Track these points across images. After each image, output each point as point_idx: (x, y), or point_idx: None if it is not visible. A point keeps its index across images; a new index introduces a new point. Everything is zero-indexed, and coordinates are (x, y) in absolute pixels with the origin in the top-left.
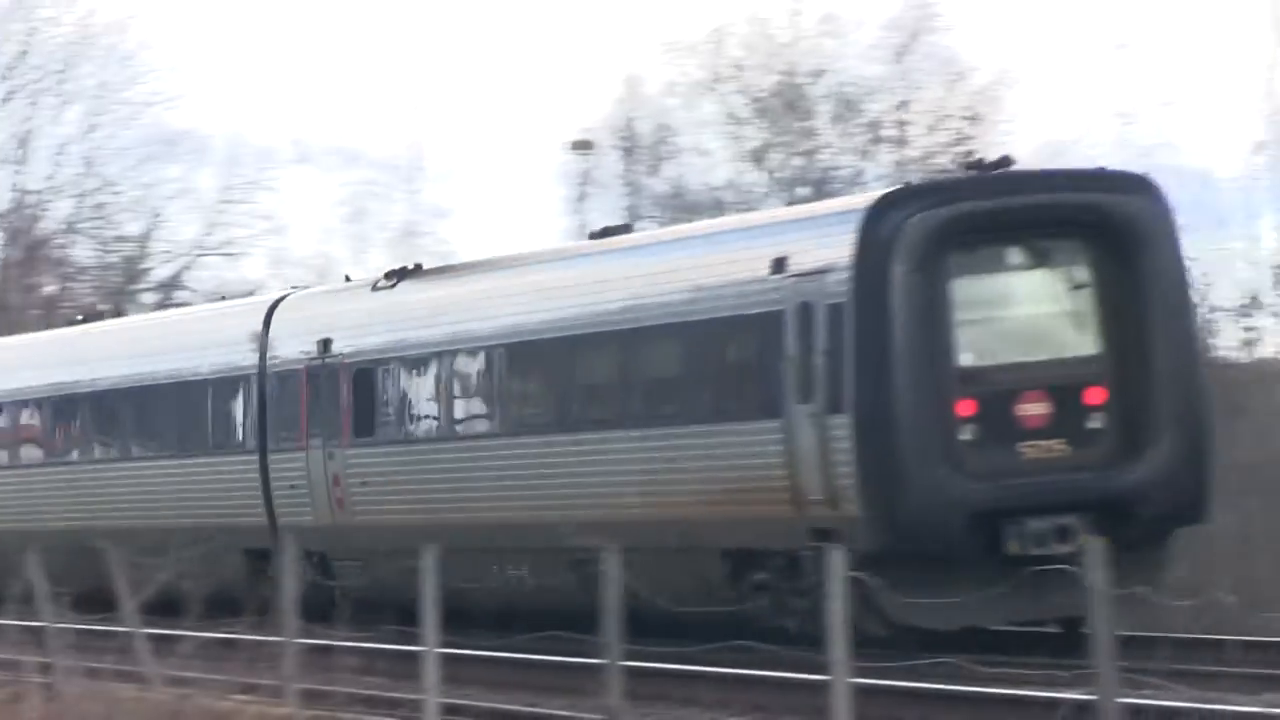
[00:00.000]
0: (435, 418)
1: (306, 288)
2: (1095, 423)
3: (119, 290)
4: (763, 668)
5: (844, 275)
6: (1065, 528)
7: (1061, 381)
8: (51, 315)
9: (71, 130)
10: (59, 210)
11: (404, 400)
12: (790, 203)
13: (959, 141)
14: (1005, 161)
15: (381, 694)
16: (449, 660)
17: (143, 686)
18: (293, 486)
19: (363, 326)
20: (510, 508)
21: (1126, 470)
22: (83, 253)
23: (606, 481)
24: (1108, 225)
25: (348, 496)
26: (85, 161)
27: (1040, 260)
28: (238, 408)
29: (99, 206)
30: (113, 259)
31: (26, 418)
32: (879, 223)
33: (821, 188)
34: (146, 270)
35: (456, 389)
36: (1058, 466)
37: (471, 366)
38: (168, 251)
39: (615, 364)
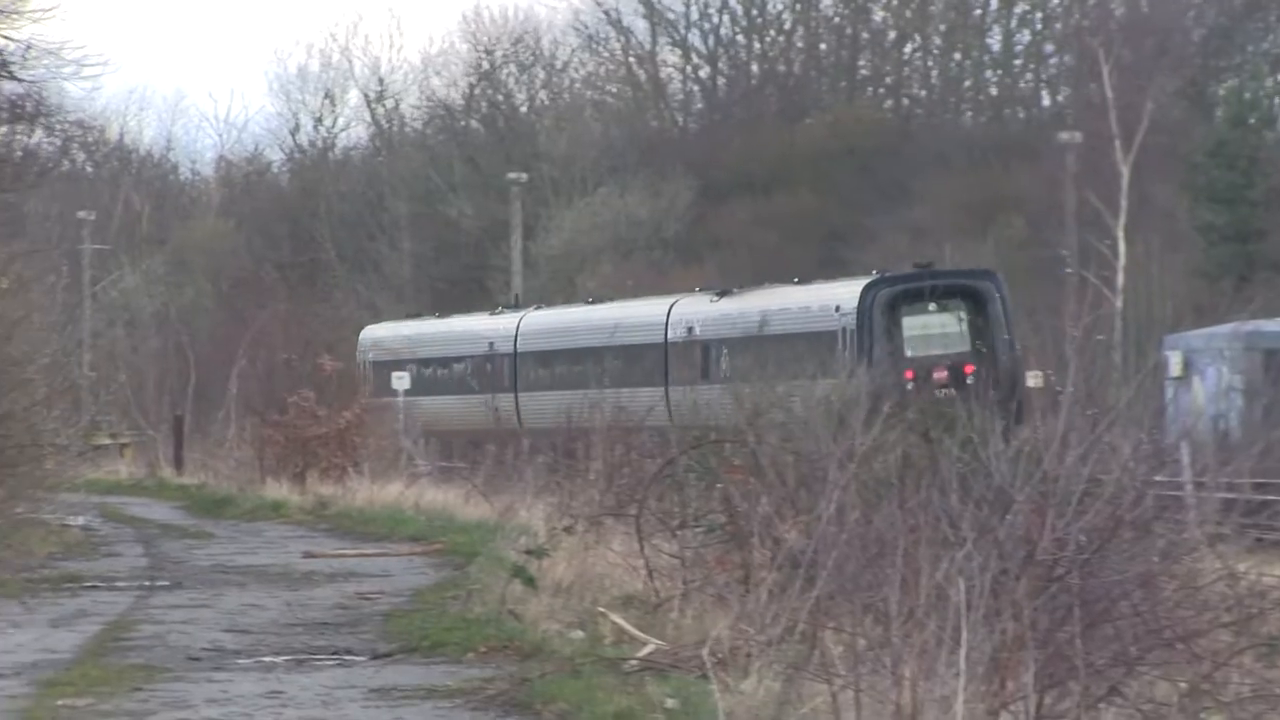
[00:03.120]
0: (724, 370)
1: (689, 295)
2: (969, 381)
3: None
4: None
5: (855, 315)
6: None
7: (953, 362)
8: None
9: None
10: None
11: (715, 360)
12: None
13: None
14: (930, 263)
15: None
16: None
17: None
18: (679, 403)
19: (704, 320)
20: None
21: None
22: None
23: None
24: (972, 293)
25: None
26: None
27: (943, 308)
28: (656, 362)
29: None
30: None
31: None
32: (868, 290)
33: None
34: None
35: (727, 357)
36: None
37: (725, 348)
38: None
39: (777, 347)
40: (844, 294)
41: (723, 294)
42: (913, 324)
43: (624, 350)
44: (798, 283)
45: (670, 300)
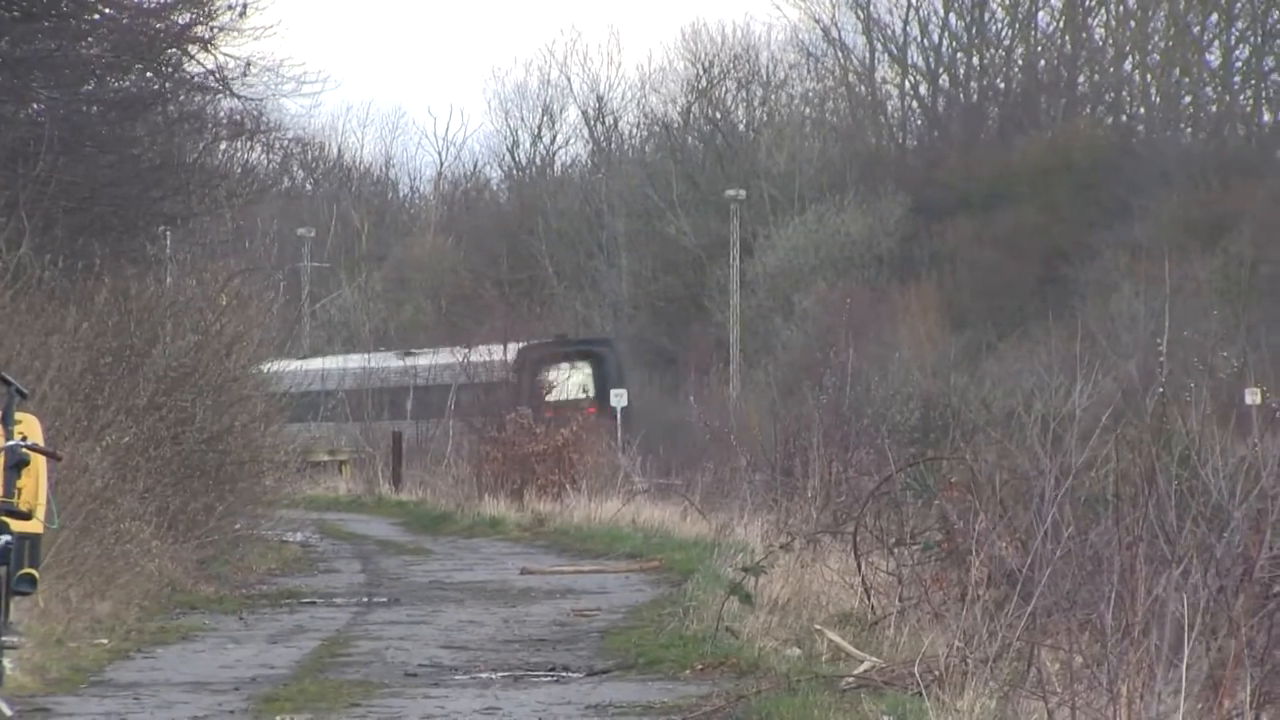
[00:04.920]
0: (411, 409)
1: (381, 353)
2: (592, 420)
3: None
4: None
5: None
6: None
7: (580, 406)
8: None
9: None
10: None
11: (404, 402)
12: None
13: None
14: (565, 334)
15: None
16: None
17: None
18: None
19: (395, 371)
20: None
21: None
22: None
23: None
24: (594, 355)
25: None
26: None
27: (574, 366)
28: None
29: None
30: None
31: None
32: (521, 353)
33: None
34: None
35: (413, 400)
36: None
37: (413, 393)
38: None
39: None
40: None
41: (407, 354)
42: (553, 376)
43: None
44: (467, 346)
45: (368, 356)
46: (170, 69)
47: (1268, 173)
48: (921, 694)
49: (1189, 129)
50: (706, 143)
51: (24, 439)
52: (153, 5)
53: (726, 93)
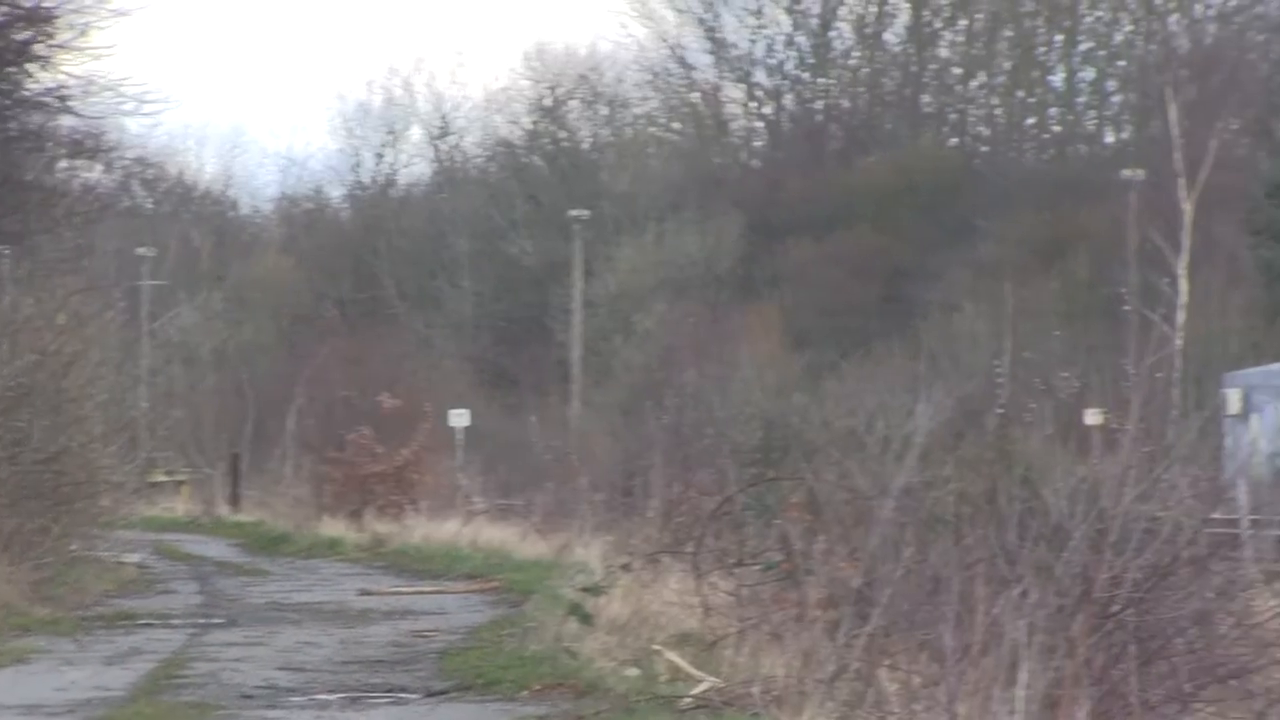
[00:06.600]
0: None
1: None
2: None
3: None
4: None
5: None
6: None
7: None
8: None
9: None
10: None
11: None
12: None
13: None
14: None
15: None
16: None
17: None
18: None
19: None
20: None
21: None
22: None
23: None
24: None
25: None
26: None
27: None
28: None
29: None
30: None
31: None
32: None
33: None
34: None
35: None
36: None
37: None
38: None
39: None
40: None
41: None
42: None
43: None
44: None
45: None
46: (9, 87)
47: (1110, 194)
48: (760, 714)
49: (1033, 150)
50: (550, 162)
51: None
52: None
53: (570, 112)
